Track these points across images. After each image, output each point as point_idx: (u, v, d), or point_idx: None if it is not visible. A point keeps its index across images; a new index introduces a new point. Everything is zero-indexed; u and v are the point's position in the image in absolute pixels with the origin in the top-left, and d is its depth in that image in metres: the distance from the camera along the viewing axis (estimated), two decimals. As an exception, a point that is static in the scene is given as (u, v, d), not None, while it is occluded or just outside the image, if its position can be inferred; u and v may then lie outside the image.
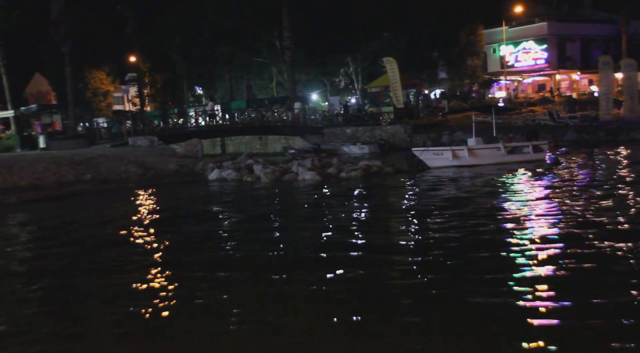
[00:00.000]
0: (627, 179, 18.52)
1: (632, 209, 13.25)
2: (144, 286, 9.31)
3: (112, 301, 8.62)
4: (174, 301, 8.49)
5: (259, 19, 48.31)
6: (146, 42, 56.20)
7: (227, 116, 44.25)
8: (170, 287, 9.16)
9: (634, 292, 7.72)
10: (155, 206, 18.85)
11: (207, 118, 41.29)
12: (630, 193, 15.78)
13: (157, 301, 8.44)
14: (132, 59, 58.21)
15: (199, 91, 67.36)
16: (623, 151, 27.92)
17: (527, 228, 11.88)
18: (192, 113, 46.33)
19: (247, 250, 11.64)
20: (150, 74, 59.90)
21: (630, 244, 10.07)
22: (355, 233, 12.49)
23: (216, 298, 8.46)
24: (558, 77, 56.75)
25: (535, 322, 6.95)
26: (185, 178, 26.57)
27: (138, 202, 19.86)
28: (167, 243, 12.59)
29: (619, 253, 9.68)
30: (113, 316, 8.00)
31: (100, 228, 15.03)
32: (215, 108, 47.45)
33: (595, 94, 46.49)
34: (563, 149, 29.69)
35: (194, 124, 41.55)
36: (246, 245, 12.09)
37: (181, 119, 42.19)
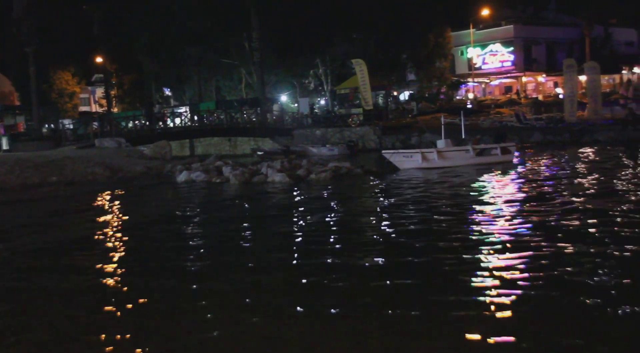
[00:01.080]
0: (590, 179, 18.88)
1: (595, 209, 13.49)
2: (101, 293, 9.16)
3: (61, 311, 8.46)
4: (135, 308, 8.37)
5: (228, 20, 48.03)
6: (113, 42, 55.42)
7: (195, 118, 43.91)
8: (131, 294, 9.02)
9: (596, 289, 7.86)
10: (121, 208, 18.57)
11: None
12: (593, 192, 16.09)
13: (115, 309, 8.31)
14: (99, 59, 57.35)
15: (168, 92, 66.69)
16: (586, 152, 28.45)
17: (494, 228, 12.01)
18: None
19: (216, 253, 11.53)
20: (117, 75, 59.11)
21: (593, 243, 10.27)
22: (325, 234, 12.48)
23: (183, 304, 8.36)
24: (524, 79, 57.61)
25: (502, 319, 7.02)
26: (154, 180, 26.30)
27: (103, 204, 19.55)
28: (131, 247, 12.40)
29: (583, 250, 9.84)
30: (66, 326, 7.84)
31: (58, 233, 14.72)
32: (184, 110, 47.06)
33: (560, 96, 47.29)
34: (530, 151, 30.13)
35: (162, 125, 41.14)
36: (215, 248, 11.98)
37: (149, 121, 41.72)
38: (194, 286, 9.19)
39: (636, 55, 65.36)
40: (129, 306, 8.29)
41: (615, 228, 11.51)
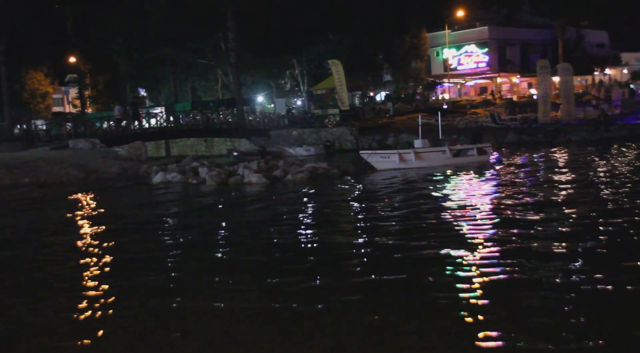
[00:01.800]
0: (563, 178, 19.13)
1: (570, 208, 13.65)
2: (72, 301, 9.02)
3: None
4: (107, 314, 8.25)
5: (204, 20, 47.76)
6: (87, 42, 54.78)
7: (171, 118, 43.58)
8: (102, 301, 8.90)
9: (571, 289, 7.95)
10: (94, 211, 18.32)
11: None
12: (566, 191, 16.29)
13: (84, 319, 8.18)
14: (72, 59, 56.65)
15: (143, 92, 66.13)
16: (560, 152, 28.82)
17: (470, 227, 12.08)
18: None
19: (192, 254, 11.43)
20: (91, 75, 58.44)
21: (565, 238, 10.39)
22: (302, 234, 12.45)
23: (158, 307, 8.27)
24: (499, 80, 58.23)
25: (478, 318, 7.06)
26: (129, 181, 26.01)
27: (77, 206, 19.27)
28: (106, 252, 12.23)
29: (556, 250, 9.94)
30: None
31: (26, 238, 14.46)
32: (160, 111, 46.68)
33: (534, 97, 47.90)
34: (505, 151, 30.43)
35: (137, 126, 40.75)
36: (191, 250, 11.88)
37: (124, 122, 41.28)
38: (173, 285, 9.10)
39: (607, 56, 66.52)
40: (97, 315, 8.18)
41: (588, 223, 11.70)
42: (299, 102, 55.21)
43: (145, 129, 40.54)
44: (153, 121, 42.88)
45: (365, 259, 10.31)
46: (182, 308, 8.10)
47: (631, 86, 59.28)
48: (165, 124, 42.38)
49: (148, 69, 55.66)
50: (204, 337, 7.08)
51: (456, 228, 12.29)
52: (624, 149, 28.24)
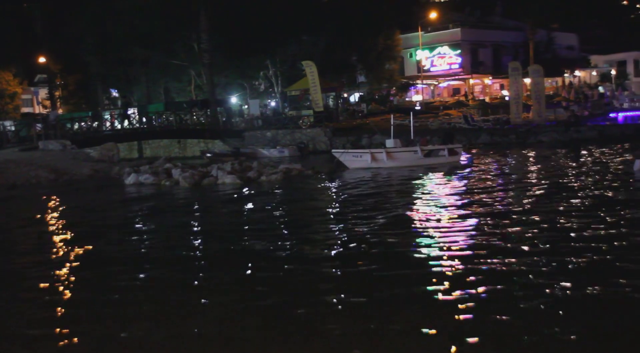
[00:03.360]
0: (533, 178, 19.39)
1: (540, 207, 13.84)
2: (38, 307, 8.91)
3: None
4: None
5: (176, 20, 47.39)
6: (57, 42, 53.95)
7: (144, 119, 43.16)
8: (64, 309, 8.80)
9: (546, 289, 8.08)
10: (63, 213, 18.08)
11: (122, 122, 39.06)
12: (535, 190, 16.52)
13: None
14: (42, 59, 55.79)
15: (115, 93, 65.35)
16: (531, 153, 29.20)
17: (440, 227, 12.19)
18: (107, 116, 44.99)
19: (164, 257, 11.36)
20: (61, 75, 57.59)
21: (533, 237, 10.55)
22: (276, 235, 12.45)
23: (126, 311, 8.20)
24: (471, 81, 58.72)
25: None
26: (101, 182, 25.73)
27: (45, 208, 19.00)
28: (72, 256, 12.08)
29: (525, 249, 10.09)
30: None
31: None
32: (132, 111, 46.19)
33: (507, 98, 48.43)
34: (476, 151, 30.73)
35: (109, 127, 40.30)
36: (163, 252, 11.80)
37: (96, 123, 40.82)
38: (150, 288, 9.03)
39: (577, 59, 67.57)
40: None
41: (555, 222, 11.89)
42: (272, 103, 55.07)
43: (118, 130, 40.11)
44: (125, 122, 42.42)
45: (337, 258, 10.33)
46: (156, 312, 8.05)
47: (600, 87, 60.31)
48: (137, 125, 41.97)
49: (120, 69, 55.00)
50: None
51: (424, 226, 12.40)
52: (592, 149, 28.75)
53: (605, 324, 6.84)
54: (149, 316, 7.85)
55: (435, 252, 10.19)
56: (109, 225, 15.43)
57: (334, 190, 20.25)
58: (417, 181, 20.64)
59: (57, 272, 10.23)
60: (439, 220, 13.10)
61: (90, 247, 12.33)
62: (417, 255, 10.11)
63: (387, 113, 44.99)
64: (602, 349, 6.28)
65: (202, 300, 8.38)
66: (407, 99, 57.36)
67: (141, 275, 9.91)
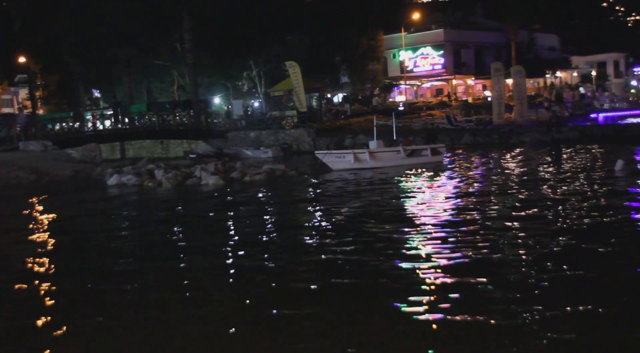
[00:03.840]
0: (514, 178, 19.55)
1: (521, 208, 13.95)
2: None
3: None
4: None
5: (159, 20, 47.12)
6: (37, 41, 53.37)
7: (126, 120, 42.89)
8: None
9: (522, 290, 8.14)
10: (43, 215, 17.90)
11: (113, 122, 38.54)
12: (516, 189, 16.65)
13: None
14: (22, 59, 55.16)
15: (97, 93, 64.84)
16: (513, 153, 29.42)
17: (422, 227, 12.23)
18: (89, 117, 44.65)
19: (145, 261, 11.29)
20: (42, 75, 57.00)
21: (513, 234, 10.63)
22: (259, 234, 12.43)
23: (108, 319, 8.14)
24: (454, 82, 59.00)
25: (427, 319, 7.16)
26: (83, 184, 25.52)
27: (24, 210, 18.81)
28: (50, 260, 11.98)
29: (505, 249, 10.17)
30: None
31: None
32: (109, 112, 45.86)
33: (489, 99, 48.74)
34: (460, 152, 30.90)
35: (91, 127, 40.00)
36: (144, 254, 11.73)
37: (77, 123, 40.47)
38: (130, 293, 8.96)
39: (558, 60, 68.22)
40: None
41: (534, 220, 11.99)
42: (256, 104, 54.97)
43: (100, 131, 39.83)
44: (107, 123, 42.14)
45: (320, 259, 10.34)
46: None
47: (581, 88, 60.93)
48: (120, 125, 41.70)
49: (102, 69, 54.59)
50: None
51: (406, 226, 12.43)
52: (573, 149, 29.02)
53: (591, 333, 6.89)
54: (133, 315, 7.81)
55: (420, 250, 10.22)
56: (87, 230, 15.30)
57: (316, 191, 20.25)
58: (399, 181, 20.70)
59: (27, 285, 10.12)
60: (421, 219, 13.14)
61: (62, 255, 12.23)
62: (401, 255, 10.13)
63: (370, 114, 45.12)
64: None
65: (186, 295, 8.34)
66: (390, 99, 57.53)
67: (127, 285, 9.84)
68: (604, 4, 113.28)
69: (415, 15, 56.57)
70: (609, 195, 15.30)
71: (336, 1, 51.59)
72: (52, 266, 10.73)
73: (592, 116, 44.18)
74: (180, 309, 8.04)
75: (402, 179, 21.27)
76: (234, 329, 7.15)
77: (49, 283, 9.50)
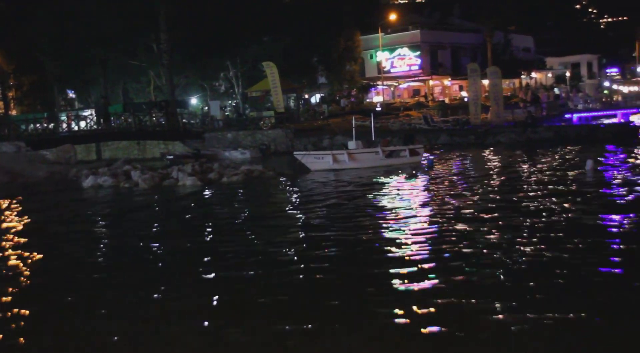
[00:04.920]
0: (491, 177, 19.72)
1: (494, 202, 14.08)
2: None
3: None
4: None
5: (135, 20, 46.68)
6: (10, 41, 52.54)
7: (102, 121, 42.41)
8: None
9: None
10: (17, 217, 17.64)
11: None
12: (493, 188, 16.80)
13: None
14: (-6, 59, 54.30)
15: (72, 94, 64.06)
16: (489, 153, 29.67)
17: (401, 226, 12.28)
18: (63, 118, 44.09)
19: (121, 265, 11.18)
20: (15, 75, 56.15)
21: (491, 233, 10.73)
22: (237, 235, 12.37)
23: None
24: (431, 82, 59.39)
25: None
26: (58, 185, 25.20)
27: None
28: (22, 265, 11.80)
29: (482, 248, 10.25)
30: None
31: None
32: (90, 113, 45.39)
33: (466, 100, 49.10)
34: (437, 153, 31.08)
35: (65, 128, 39.50)
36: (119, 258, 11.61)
37: (52, 124, 39.93)
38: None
39: (533, 61, 69.07)
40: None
41: (512, 216, 12.12)
42: (233, 105, 54.77)
43: (75, 132, 39.33)
44: (83, 124, 41.64)
45: (299, 260, 10.32)
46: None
47: (555, 89, 61.72)
48: (95, 126, 41.23)
49: (77, 70, 53.93)
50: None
51: (383, 225, 12.48)
52: (548, 149, 29.38)
53: (563, 318, 6.97)
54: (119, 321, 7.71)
55: (399, 248, 10.25)
56: (58, 231, 15.11)
57: (294, 193, 20.21)
58: (377, 182, 20.75)
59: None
60: (401, 219, 13.18)
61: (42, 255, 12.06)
62: (381, 258, 10.15)
63: (348, 114, 45.18)
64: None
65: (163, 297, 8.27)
66: (367, 100, 57.70)
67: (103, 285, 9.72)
68: (577, 6, 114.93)
69: (392, 16, 56.81)
70: (577, 194, 15.60)
71: (313, 2, 51.60)
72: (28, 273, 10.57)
73: (567, 116, 44.78)
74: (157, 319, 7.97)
75: (380, 180, 21.32)
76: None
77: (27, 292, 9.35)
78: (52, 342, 7.11)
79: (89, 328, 7.49)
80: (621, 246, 10.13)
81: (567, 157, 25.85)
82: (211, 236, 12.96)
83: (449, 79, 60.34)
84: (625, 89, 71.18)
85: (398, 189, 18.70)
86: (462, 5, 70.85)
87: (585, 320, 6.93)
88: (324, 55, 53.78)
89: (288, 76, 47.75)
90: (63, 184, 25.49)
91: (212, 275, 9.64)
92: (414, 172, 22.95)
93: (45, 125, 39.91)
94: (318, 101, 59.36)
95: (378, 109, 49.82)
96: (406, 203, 15.57)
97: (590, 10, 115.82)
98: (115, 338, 7.11)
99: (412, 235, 11.56)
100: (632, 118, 42.95)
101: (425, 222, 12.85)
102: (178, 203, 19.12)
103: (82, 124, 41.58)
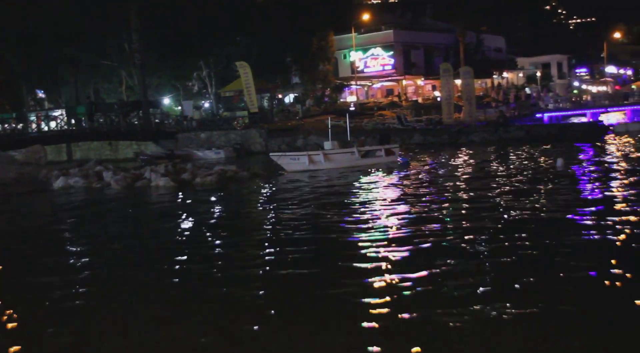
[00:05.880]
0: (465, 176, 19.87)
1: (469, 201, 14.17)
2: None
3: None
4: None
5: (106, 19, 46.07)
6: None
7: (72, 121, 41.81)
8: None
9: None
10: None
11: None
12: (468, 187, 16.92)
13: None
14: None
15: (41, 94, 63.02)
16: (463, 152, 29.93)
17: (377, 226, 12.27)
18: (33, 118, 43.37)
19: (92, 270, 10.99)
20: (-20, 75, 54.99)
21: (465, 232, 10.79)
22: (211, 237, 12.27)
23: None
24: (404, 82, 59.69)
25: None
26: (28, 187, 24.76)
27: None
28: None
29: (459, 245, 10.30)
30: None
31: None
32: (60, 113, 44.70)
33: (439, 99, 49.44)
34: (411, 154, 31.23)
35: (35, 129, 38.85)
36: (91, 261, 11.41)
37: (21, 124, 39.25)
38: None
39: (504, 61, 69.86)
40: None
41: (484, 215, 12.20)
42: (206, 105, 54.41)
43: (45, 132, 38.72)
44: (53, 124, 41.00)
45: (272, 261, 10.25)
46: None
47: (527, 89, 62.50)
48: (66, 127, 40.63)
49: (46, 69, 53.02)
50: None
51: (361, 226, 12.46)
52: (520, 148, 29.70)
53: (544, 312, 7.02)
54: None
55: (375, 254, 10.23)
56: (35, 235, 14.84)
57: (270, 193, 20.13)
58: (353, 183, 20.76)
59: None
60: (377, 217, 13.18)
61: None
62: (356, 261, 10.13)
63: (322, 114, 45.22)
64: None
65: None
66: (341, 100, 57.77)
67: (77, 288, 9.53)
68: (547, 7, 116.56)
69: (365, 16, 56.98)
70: (548, 190, 15.84)
71: (286, 1, 51.50)
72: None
73: (538, 115, 45.41)
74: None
75: (356, 180, 21.33)
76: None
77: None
78: None
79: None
80: (593, 236, 10.38)
81: (537, 155, 26.16)
82: (177, 237, 12.80)
83: (422, 79, 60.70)
84: (594, 88, 72.38)
85: (374, 189, 18.73)
86: (434, 5, 71.34)
87: (559, 311, 6.99)
88: (298, 55, 53.72)
89: (262, 75, 47.61)
90: (33, 185, 25.05)
91: (176, 277, 9.51)
92: (389, 171, 23.02)
93: (14, 125, 39.23)
94: (292, 100, 59.28)
95: (352, 109, 49.92)
96: (382, 202, 15.58)
97: (559, 11, 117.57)
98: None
99: (388, 233, 11.56)
100: (602, 117, 43.70)
101: (400, 220, 12.86)
102: (149, 205, 18.89)
103: (52, 124, 40.95)
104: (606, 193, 15.11)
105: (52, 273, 10.17)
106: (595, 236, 10.56)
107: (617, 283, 7.94)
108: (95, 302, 8.44)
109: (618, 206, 13.14)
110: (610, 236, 10.45)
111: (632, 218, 11.75)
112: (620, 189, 15.82)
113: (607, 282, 7.95)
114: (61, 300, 8.53)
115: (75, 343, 6.98)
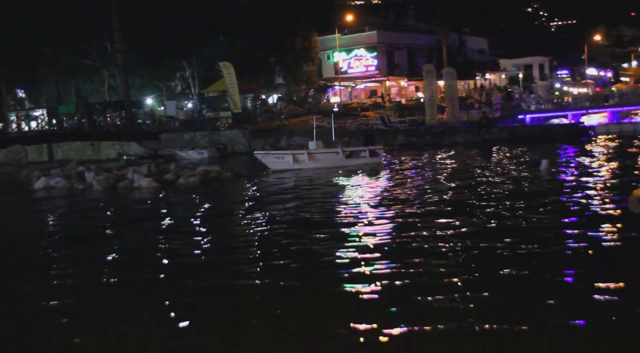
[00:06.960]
0: (449, 176, 19.95)
1: (452, 201, 14.22)
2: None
3: None
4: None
5: (87, 19, 45.66)
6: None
7: (54, 121, 41.42)
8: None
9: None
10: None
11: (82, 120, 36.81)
12: (452, 189, 16.98)
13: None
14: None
15: (22, 94, 62.34)
16: (446, 153, 30.05)
17: (360, 225, 12.28)
18: (13, 118, 42.89)
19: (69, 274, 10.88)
20: (-40, 74, 54.18)
21: (448, 230, 10.83)
22: (193, 239, 12.20)
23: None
24: (388, 83, 59.79)
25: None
26: (7, 187, 24.45)
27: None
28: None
29: (440, 244, 10.33)
30: None
31: None
32: (41, 113, 44.31)
33: (422, 100, 49.59)
34: (394, 154, 31.29)
35: (15, 129, 38.43)
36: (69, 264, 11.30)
37: (0, 124, 38.80)
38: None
39: (487, 62, 70.31)
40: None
41: (472, 213, 12.25)
42: (190, 105, 54.14)
43: (25, 133, 38.32)
44: (33, 124, 40.60)
45: (257, 261, 10.21)
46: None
47: (509, 90, 62.92)
48: (47, 126, 40.23)
49: (26, 69, 52.40)
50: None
51: (344, 225, 12.46)
52: (502, 149, 29.89)
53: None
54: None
55: (357, 251, 10.23)
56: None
57: (254, 192, 20.06)
58: (337, 183, 20.76)
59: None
60: (362, 219, 13.18)
61: None
62: (339, 256, 10.12)
63: (306, 115, 45.18)
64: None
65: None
66: (324, 100, 57.76)
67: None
68: (529, 9, 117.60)
69: (349, 17, 57.01)
70: (534, 193, 15.92)
71: (270, 2, 51.40)
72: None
73: (520, 117, 45.73)
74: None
75: (340, 180, 21.33)
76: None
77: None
78: None
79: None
80: (575, 232, 10.43)
81: (521, 156, 26.32)
82: (160, 237, 12.71)
83: (405, 80, 60.88)
84: (575, 90, 73.11)
85: (357, 189, 18.74)
86: (417, 7, 71.61)
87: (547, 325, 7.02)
88: (281, 55, 53.63)
89: (245, 76, 47.46)
90: (13, 186, 24.76)
91: (158, 277, 9.44)
92: (373, 172, 23.05)
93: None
94: (275, 101, 59.17)
95: (335, 109, 49.93)
96: (365, 202, 15.58)
97: (541, 13, 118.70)
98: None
99: (370, 234, 11.53)
100: (583, 119, 44.13)
101: (383, 220, 12.87)
102: (130, 206, 18.73)
103: (33, 124, 40.54)
104: (588, 194, 15.25)
105: (31, 279, 10.05)
106: (577, 238, 10.63)
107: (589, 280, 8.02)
108: (80, 309, 8.36)
109: (599, 209, 13.27)
110: (590, 234, 10.55)
111: (613, 212, 11.87)
112: (601, 190, 15.97)
113: (577, 279, 8.02)
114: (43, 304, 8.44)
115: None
